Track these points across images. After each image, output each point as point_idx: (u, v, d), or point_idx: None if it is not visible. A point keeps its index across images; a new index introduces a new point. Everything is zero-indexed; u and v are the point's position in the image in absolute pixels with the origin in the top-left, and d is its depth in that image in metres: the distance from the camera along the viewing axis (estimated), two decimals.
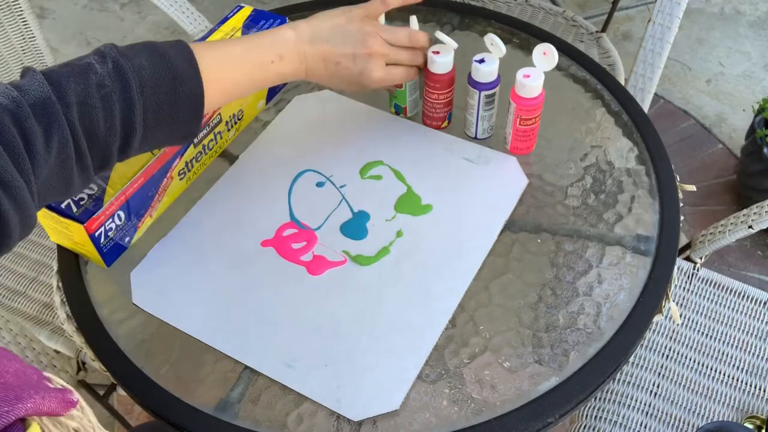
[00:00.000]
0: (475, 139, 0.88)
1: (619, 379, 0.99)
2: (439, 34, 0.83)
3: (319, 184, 0.84)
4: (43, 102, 0.54)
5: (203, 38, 0.90)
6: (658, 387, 0.98)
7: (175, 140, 0.68)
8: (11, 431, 0.45)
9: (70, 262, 0.79)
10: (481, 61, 0.81)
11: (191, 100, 0.64)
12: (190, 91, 0.63)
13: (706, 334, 1.04)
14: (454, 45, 0.82)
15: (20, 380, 0.48)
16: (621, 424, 0.95)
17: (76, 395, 0.51)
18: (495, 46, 0.81)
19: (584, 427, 0.95)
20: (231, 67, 0.69)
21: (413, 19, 0.84)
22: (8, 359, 0.50)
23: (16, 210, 0.51)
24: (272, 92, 0.96)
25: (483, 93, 0.82)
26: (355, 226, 0.80)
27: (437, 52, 0.82)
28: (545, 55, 0.79)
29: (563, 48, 0.99)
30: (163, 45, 0.64)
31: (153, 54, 0.62)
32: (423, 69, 0.84)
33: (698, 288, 1.09)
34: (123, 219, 0.76)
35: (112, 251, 0.78)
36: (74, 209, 0.72)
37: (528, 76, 0.79)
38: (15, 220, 0.51)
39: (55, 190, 0.57)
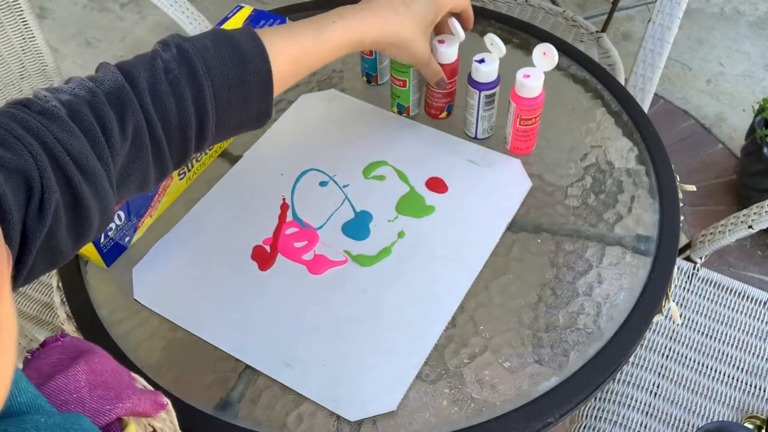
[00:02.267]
0: (475, 139, 0.88)
1: (619, 379, 0.99)
2: (453, 22, 0.82)
3: (322, 184, 0.84)
4: (117, 90, 0.55)
5: None
6: (658, 387, 0.98)
7: (250, 122, 0.66)
8: (110, 429, 0.47)
9: (70, 262, 0.79)
10: (481, 61, 0.81)
11: (260, 75, 0.63)
12: (257, 67, 0.63)
13: (706, 334, 1.04)
14: (462, 37, 0.82)
15: (117, 379, 0.50)
16: (621, 424, 0.95)
17: (165, 398, 0.52)
18: (495, 46, 0.81)
19: (584, 427, 0.95)
20: (295, 37, 0.67)
21: None
22: (106, 358, 0.52)
23: (95, 197, 0.52)
24: None
25: (483, 93, 0.82)
26: (357, 226, 0.80)
27: (442, 42, 0.82)
28: (545, 55, 0.79)
29: (563, 48, 0.99)
30: (227, 29, 0.64)
31: (216, 36, 0.62)
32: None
33: (698, 288, 1.09)
34: (123, 219, 0.76)
35: (112, 251, 0.78)
36: None
37: (528, 76, 0.79)
38: (95, 207, 0.52)
39: (132, 180, 0.57)
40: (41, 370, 0.50)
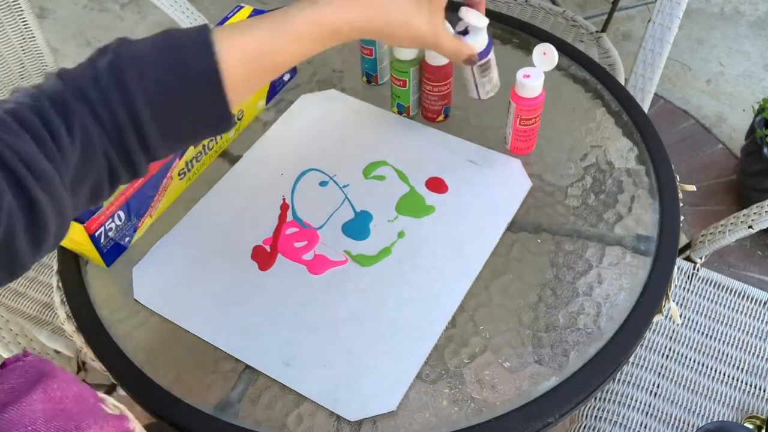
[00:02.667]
0: (479, 99, 0.82)
1: (619, 379, 0.99)
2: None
3: (322, 184, 0.84)
4: (59, 95, 0.54)
5: None
6: (658, 387, 0.98)
7: (205, 127, 0.60)
8: None
9: (70, 262, 0.79)
10: (465, 32, 0.73)
11: (204, 76, 0.56)
12: (200, 67, 0.56)
13: (706, 334, 1.04)
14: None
15: (79, 405, 0.48)
16: (621, 424, 0.95)
17: (133, 422, 0.50)
18: (548, 56, 0.78)
19: (584, 427, 0.95)
20: (252, 30, 0.59)
21: None
22: (67, 382, 0.49)
23: (49, 199, 0.51)
24: (272, 92, 0.96)
25: (475, 66, 0.77)
26: (357, 226, 0.80)
27: None
28: (545, 55, 0.78)
29: (563, 48, 0.99)
30: (180, 29, 0.59)
31: (160, 37, 0.58)
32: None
33: (698, 288, 1.09)
34: (123, 219, 0.76)
35: (112, 251, 0.78)
36: None
37: (528, 76, 0.79)
38: (50, 209, 0.51)
39: (85, 185, 0.56)
40: None
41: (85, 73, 0.56)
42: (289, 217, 0.81)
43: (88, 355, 0.74)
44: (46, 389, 0.48)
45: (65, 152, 0.53)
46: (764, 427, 0.94)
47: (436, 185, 0.84)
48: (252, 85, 0.60)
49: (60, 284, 0.79)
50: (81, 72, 0.56)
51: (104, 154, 0.56)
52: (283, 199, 0.83)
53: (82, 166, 0.55)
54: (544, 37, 1.03)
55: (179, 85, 0.56)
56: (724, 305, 1.06)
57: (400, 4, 0.62)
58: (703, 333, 1.04)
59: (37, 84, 0.56)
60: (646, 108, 1.23)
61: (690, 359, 1.01)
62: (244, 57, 0.58)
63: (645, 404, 0.97)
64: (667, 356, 1.02)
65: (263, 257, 0.78)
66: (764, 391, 0.98)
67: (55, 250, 0.81)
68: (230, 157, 0.89)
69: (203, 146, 0.85)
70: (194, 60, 0.56)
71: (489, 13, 1.08)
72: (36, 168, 0.50)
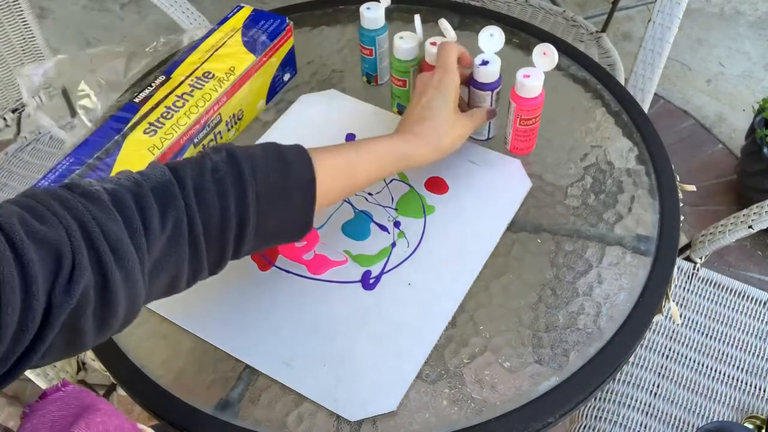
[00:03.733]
0: (487, 140, 0.88)
1: (619, 379, 0.99)
2: (442, 23, 0.82)
3: None
4: (162, 185, 0.56)
5: (203, 39, 0.90)
6: (658, 387, 0.99)
7: (289, 231, 0.65)
8: None
9: None
10: (484, 63, 0.80)
11: (303, 184, 0.63)
12: (301, 175, 0.63)
13: (706, 334, 1.04)
14: (453, 38, 0.82)
15: None
16: (621, 424, 0.95)
17: None
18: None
19: (584, 427, 0.95)
20: (339, 151, 0.69)
21: (417, 18, 0.84)
22: (109, 415, 0.49)
23: (125, 283, 0.51)
24: (272, 92, 0.96)
25: (494, 91, 0.82)
26: (357, 227, 0.80)
27: (435, 44, 0.82)
28: (545, 56, 0.78)
29: (563, 48, 0.99)
30: (275, 143, 0.65)
31: (266, 145, 0.63)
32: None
33: (698, 288, 1.09)
34: None
35: None
36: None
37: (528, 76, 0.79)
38: (123, 293, 0.51)
39: (164, 276, 0.56)
40: None
41: (201, 164, 0.59)
42: None
43: (88, 355, 0.74)
44: (89, 423, 0.48)
45: (152, 241, 0.53)
46: (764, 427, 0.94)
47: (436, 185, 0.84)
48: (335, 197, 0.69)
49: None
50: (194, 163, 0.59)
51: (193, 246, 0.57)
52: None
53: (165, 258, 0.55)
54: (544, 37, 1.03)
55: (282, 189, 0.62)
56: (724, 305, 1.07)
57: (445, 133, 0.75)
58: (703, 333, 1.04)
59: (142, 171, 0.57)
60: (646, 108, 1.23)
61: (690, 359, 1.01)
62: (333, 172, 0.66)
63: (645, 404, 0.97)
64: (667, 356, 1.02)
65: (263, 257, 0.78)
66: (764, 391, 0.98)
67: None
68: None
69: (203, 146, 0.85)
70: (297, 168, 0.63)
71: (489, 13, 1.09)
72: (119, 250, 0.50)
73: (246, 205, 0.59)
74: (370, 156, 0.71)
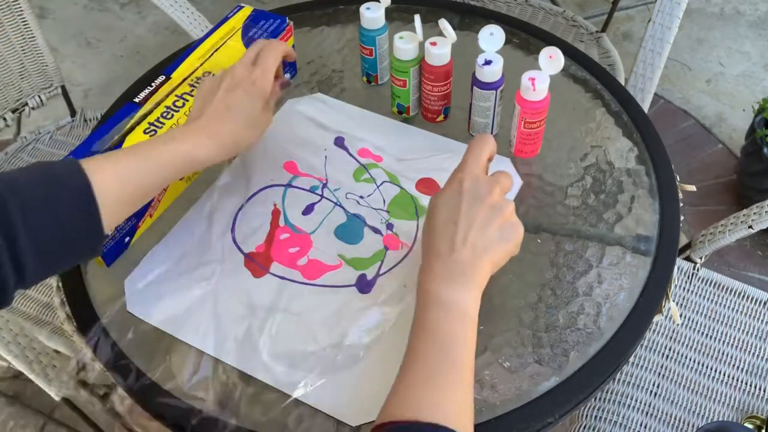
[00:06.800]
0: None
1: (619, 379, 0.99)
2: (442, 23, 0.82)
3: (313, 188, 0.84)
4: None
5: (202, 39, 0.90)
6: (658, 387, 0.99)
7: (77, 241, 0.63)
8: None
9: None
10: (487, 63, 0.81)
11: (76, 193, 0.61)
12: (72, 184, 0.61)
13: (706, 334, 1.04)
14: (453, 38, 0.82)
15: None
16: (621, 424, 0.95)
17: None
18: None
19: (584, 427, 0.95)
20: (119, 158, 0.67)
21: (417, 18, 0.84)
22: None
23: None
24: None
25: (498, 90, 0.83)
26: (350, 230, 0.80)
27: (434, 44, 0.82)
28: (551, 59, 0.78)
29: (563, 48, 0.99)
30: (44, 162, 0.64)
31: (29, 165, 0.62)
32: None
33: (698, 288, 1.09)
34: None
35: (112, 251, 0.77)
36: None
37: (533, 79, 0.78)
38: None
39: None
40: None
41: None
42: (282, 223, 0.81)
43: (88, 355, 0.74)
44: None
45: None
46: (764, 427, 0.94)
47: (428, 186, 0.83)
48: (129, 205, 0.68)
49: (60, 284, 0.79)
50: None
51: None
52: (275, 205, 0.83)
53: None
54: (544, 37, 1.03)
55: (51, 195, 0.60)
56: (724, 305, 1.07)
57: (243, 122, 0.74)
58: (703, 333, 1.04)
59: None
60: (646, 108, 1.23)
61: (690, 359, 1.01)
62: (115, 178, 0.64)
63: (645, 404, 0.97)
64: (667, 356, 1.02)
65: (257, 264, 0.77)
66: (764, 391, 0.98)
67: None
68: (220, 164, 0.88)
69: None
70: (66, 176, 0.62)
71: (489, 13, 1.09)
72: None
73: (10, 220, 0.57)
74: (158, 164, 0.69)
